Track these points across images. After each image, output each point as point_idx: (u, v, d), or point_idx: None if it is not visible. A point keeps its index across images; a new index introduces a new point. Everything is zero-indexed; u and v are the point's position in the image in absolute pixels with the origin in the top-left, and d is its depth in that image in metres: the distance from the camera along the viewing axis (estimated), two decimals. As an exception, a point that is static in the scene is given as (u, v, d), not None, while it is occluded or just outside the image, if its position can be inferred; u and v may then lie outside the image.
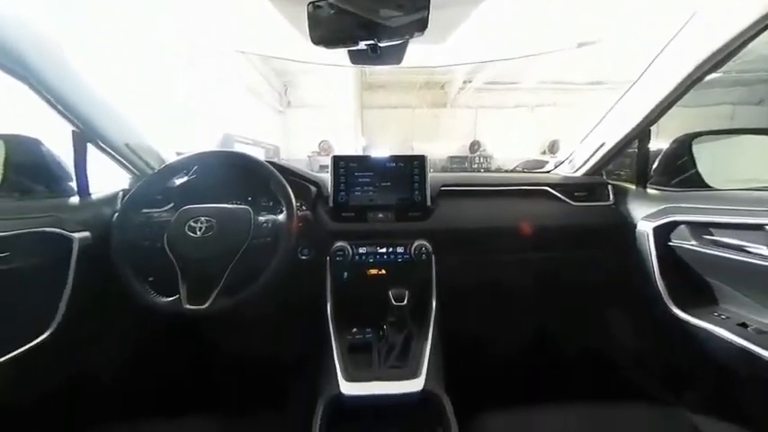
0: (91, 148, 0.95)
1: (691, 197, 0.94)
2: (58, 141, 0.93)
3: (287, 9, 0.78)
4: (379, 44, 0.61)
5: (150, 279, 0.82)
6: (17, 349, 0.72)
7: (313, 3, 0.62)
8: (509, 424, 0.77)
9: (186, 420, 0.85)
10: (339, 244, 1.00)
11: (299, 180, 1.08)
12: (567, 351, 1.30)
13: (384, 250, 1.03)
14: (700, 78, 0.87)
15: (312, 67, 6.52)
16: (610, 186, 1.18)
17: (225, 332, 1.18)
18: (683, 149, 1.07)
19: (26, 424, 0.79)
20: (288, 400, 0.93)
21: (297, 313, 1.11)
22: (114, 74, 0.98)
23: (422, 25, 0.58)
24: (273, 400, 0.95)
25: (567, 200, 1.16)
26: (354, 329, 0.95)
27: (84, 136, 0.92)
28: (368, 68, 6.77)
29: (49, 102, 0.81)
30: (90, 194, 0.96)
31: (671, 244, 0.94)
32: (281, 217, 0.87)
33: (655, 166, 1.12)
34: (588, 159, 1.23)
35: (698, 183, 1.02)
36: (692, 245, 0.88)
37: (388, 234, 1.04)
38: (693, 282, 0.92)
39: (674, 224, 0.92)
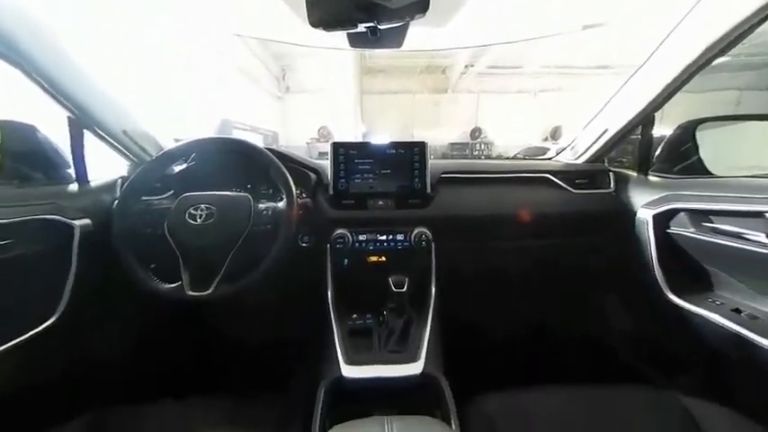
0: (88, 135, 0.94)
1: (692, 184, 0.94)
2: (58, 130, 0.92)
3: (284, -10, 0.76)
4: (379, 26, 0.59)
5: (152, 266, 0.82)
6: (22, 335, 0.73)
7: (311, -17, 0.60)
8: (505, 405, 0.79)
9: (190, 404, 0.86)
10: (339, 231, 1.01)
11: (298, 167, 1.08)
12: (564, 336, 1.32)
13: (384, 237, 1.03)
14: (707, 63, 0.85)
15: (311, 51, 6.38)
16: (611, 173, 1.17)
17: (227, 318, 1.20)
18: (686, 136, 1.05)
19: (31, 409, 0.80)
20: (289, 384, 0.95)
21: (298, 300, 1.13)
22: (111, 61, 0.96)
23: (423, 7, 0.56)
24: (275, 384, 0.97)
25: (568, 187, 1.16)
26: (355, 315, 0.97)
27: (81, 122, 0.91)
28: (367, 52, 6.61)
29: (42, 87, 0.80)
30: (89, 182, 0.96)
31: (670, 231, 0.94)
32: (281, 204, 0.87)
33: (657, 152, 1.11)
34: (590, 146, 1.22)
35: (700, 170, 1.02)
36: (690, 232, 0.88)
37: (388, 221, 1.05)
38: (691, 269, 0.92)
39: (674, 212, 0.92)
